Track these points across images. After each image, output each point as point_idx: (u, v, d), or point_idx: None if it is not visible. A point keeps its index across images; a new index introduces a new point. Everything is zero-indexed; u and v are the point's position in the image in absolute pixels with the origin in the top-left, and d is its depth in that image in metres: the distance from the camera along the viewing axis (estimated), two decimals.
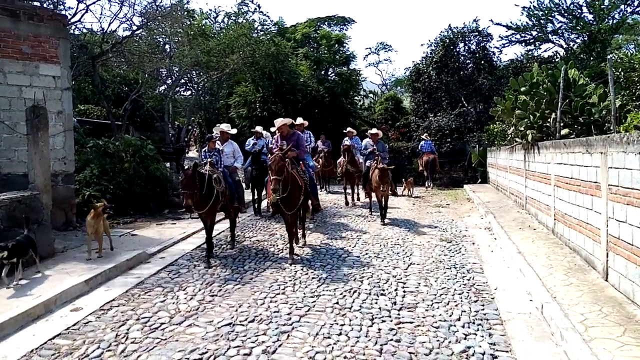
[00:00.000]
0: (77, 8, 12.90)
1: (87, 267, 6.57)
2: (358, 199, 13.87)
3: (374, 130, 11.70)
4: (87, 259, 6.96)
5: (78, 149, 10.67)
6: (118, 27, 36.31)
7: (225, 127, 9.34)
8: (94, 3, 15.90)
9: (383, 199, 10.42)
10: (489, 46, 24.10)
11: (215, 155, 8.17)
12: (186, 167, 6.81)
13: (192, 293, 5.82)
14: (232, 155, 8.94)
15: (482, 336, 4.51)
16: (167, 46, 19.81)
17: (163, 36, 18.05)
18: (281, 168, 6.93)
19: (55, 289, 5.59)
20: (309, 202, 8.36)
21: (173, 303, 5.48)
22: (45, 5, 12.21)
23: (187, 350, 4.24)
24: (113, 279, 6.40)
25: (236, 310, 5.22)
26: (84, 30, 16.45)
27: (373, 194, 10.93)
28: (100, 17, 34.59)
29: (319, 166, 14.17)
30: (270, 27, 26.64)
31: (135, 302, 5.52)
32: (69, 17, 12.16)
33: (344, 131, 14.58)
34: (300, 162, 8.05)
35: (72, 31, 13.55)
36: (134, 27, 15.08)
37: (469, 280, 6.29)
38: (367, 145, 11.39)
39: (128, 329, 4.73)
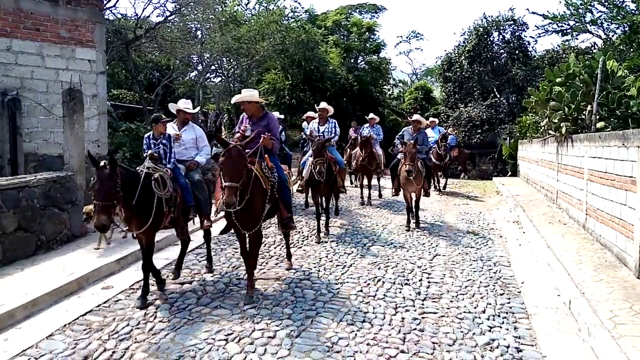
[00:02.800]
0: None
1: (118, 247, 6.75)
2: (380, 196, 12.56)
3: (416, 117, 9.74)
4: (107, 243, 6.87)
5: (111, 133, 10.91)
6: (151, 12, 36.65)
7: (183, 104, 6.32)
8: None
9: (413, 198, 8.89)
10: (524, 36, 23.58)
11: (163, 145, 5.53)
12: (101, 164, 4.46)
13: (219, 276, 5.93)
14: (193, 144, 6.23)
15: (507, 329, 4.47)
16: (198, 32, 19.92)
17: (195, 22, 18.17)
18: (239, 168, 4.62)
19: (87, 267, 5.78)
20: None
21: (200, 285, 5.60)
22: None
23: (213, 330, 4.33)
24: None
25: (261, 294, 5.30)
26: (119, 16, 16.72)
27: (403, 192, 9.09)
28: (134, 3, 35.09)
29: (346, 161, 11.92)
30: (301, 14, 26.57)
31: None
32: (105, 2, 12.38)
33: (366, 117, 13.02)
34: (265, 156, 5.47)
35: (107, 16, 13.79)
36: (167, 13, 15.27)
37: (495, 273, 6.22)
38: (404, 136, 9.29)
39: (156, 309, 4.86)
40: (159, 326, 4.44)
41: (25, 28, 8.55)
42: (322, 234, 7.99)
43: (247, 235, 5.14)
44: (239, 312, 4.78)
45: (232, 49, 19.93)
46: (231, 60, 22.67)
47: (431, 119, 15.17)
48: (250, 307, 4.88)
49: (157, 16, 15.71)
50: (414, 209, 8.97)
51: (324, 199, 8.53)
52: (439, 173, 14.19)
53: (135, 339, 4.18)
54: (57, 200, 6.94)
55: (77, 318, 4.61)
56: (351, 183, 14.53)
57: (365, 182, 11.96)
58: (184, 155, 6.08)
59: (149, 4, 14.55)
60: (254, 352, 3.94)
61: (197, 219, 6.12)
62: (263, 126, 5.63)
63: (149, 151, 5.42)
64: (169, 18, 15.45)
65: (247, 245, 5.28)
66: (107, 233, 6.52)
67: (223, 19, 19.46)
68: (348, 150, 13.60)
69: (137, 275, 5.85)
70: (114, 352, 3.92)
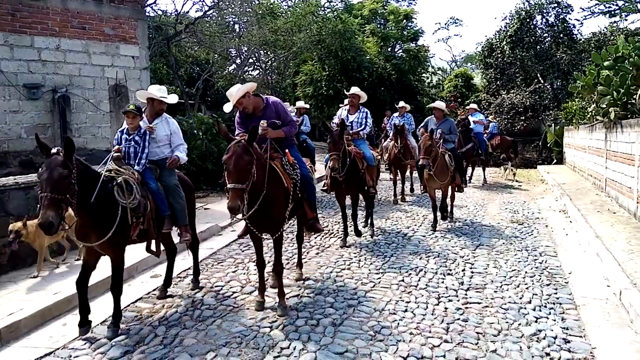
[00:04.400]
0: None
1: None
2: (412, 191, 11.66)
3: (438, 104, 8.68)
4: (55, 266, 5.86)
5: None
6: (190, 8, 37.34)
7: (156, 90, 5.00)
8: None
9: (440, 194, 8.06)
10: (569, 18, 22.67)
11: (135, 142, 4.66)
12: (53, 151, 3.56)
13: None
14: (166, 141, 5.03)
15: (555, 320, 4.37)
16: (236, 26, 20.21)
17: (233, 16, 18.42)
18: (245, 168, 3.95)
19: (135, 257, 5.98)
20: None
21: (244, 273, 5.72)
22: None
23: (258, 318, 4.43)
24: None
25: (303, 282, 5.37)
26: (159, 12, 17.13)
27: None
28: None
29: (378, 156, 9.78)
30: (337, 4, 26.49)
31: (209, 272, 5.82)
32: None
33: (397, 106, 11.97)
34: (287, 151, 4.95)
35: (148, 13, 14.14)
36: (206, 8, 15.55)
37: (541, 263, 6.08)
38: (428, 125, 8.40)
39: (203, 296, 5.01)
40: (206, 313, 4.57)
41: (72, 27, 8.89)
42: (348, 237, 7.06)
43: (262, 240, 4.68)
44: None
45: (269, 42, 20.10)
46: (268, 53, 22.87)
47: (472, 105, 14.91)
48: (293, 295, 4.96)
49: (196, 11, 16.17)
50: (444, 207, 8.18)
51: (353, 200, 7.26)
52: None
53: (184, 325, 4.32)
54: None
55: (128, 305, 4.80)
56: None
57: (399, 176, 10.73)
58: (155, 154, 4.91)
59: None
60: (298, 339, 4.01)
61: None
62: (273, 116, 4.85)
63: (116, 147, 4.64)
64: (208, 13, 15.74)
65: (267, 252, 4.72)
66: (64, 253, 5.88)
67: (260, 12, 19.63)
68: (382, 141, 12.71)
69: (184, 264, 6.00)
70: (164, 338, 4.07)
